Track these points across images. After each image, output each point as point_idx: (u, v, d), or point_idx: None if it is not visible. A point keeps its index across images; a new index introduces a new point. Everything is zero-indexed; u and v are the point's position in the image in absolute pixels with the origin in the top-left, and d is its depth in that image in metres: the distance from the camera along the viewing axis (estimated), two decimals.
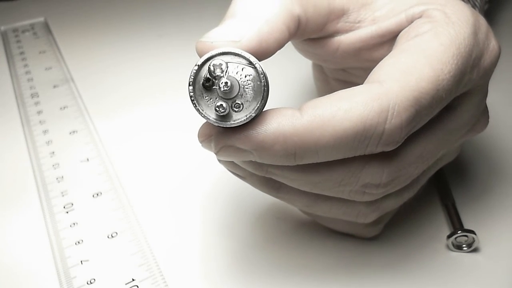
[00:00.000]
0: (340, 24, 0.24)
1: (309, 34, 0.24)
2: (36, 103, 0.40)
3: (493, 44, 0.23)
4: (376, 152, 0.20)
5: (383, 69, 0.21)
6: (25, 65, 0.45)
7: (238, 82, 0.19)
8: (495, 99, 0.35)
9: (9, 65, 0.45)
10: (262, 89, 0.19)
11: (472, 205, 0.29)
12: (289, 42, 0.26)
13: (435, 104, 0.20)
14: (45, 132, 0.37)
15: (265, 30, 0.20)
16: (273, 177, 0.22)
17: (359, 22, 0.24)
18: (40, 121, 0.38)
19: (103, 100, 0.41)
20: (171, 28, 0.51)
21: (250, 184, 0.24)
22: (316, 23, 0.23)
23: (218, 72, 0.18)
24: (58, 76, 0.43)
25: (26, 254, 0.28)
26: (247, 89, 0.19)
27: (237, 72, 0.19)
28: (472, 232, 0.26)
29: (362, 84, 0.26)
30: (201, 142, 0.21)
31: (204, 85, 0.19)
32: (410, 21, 0.23)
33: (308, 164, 0.21)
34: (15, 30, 0.51)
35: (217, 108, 0.18)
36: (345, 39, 0.24)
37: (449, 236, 0.26)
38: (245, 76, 0.19)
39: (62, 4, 0.57)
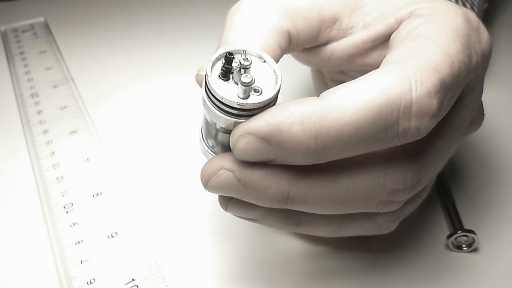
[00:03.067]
0: (334, 32, 0.24)
1: (303, 45, 0.24)
2: (36, 103, 0.40)
3: (486, 33, 0.23)
4: (412, 133, 0.18)
5: (391, 55, 0.20)
6: (25, 65, 0.45)
7: (252, 73, 0.19)
8: (495, 99, 0.35)
9: (9, 65, 0.45)
10: (277, 77, 0.19)
11: (472, 205, 0.29)
12: None
13: (456, 75, 0.19)
14: (45, 132, 0.37)
15: None
16: (295, 207, 0.20)
17: (351, 28, 0.24)
18: (40, 121, 0.38)
19: (103, 100, 0.41)
20: (171, 27, 0.51)
21: (266, 225, 0.22)
22: (308, 34, 0.23)
23: (240, 59, 0.19)
24: (58, 76, 0.43)
25: (26, 254, 0.28)
26: (261, 79, 0.19)
27: (251, 62, 0.19)
28: (472, 232, 0.26)
29: None
30: (207, 181, 0.20)
31: (222, 73, 0.19)
32: (399, 23, 0.23)
33: (330, 177, 0.20)
34: (15, 30, 0.51)
35: (243, 79, 0.18)
36: (338, 46, 0.24)
37: (449, 236, 0.26)
38: (260, 69, 0.20)
39: (62, 4, 0.56)
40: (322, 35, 0.24)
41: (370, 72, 0.19)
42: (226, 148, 0.21)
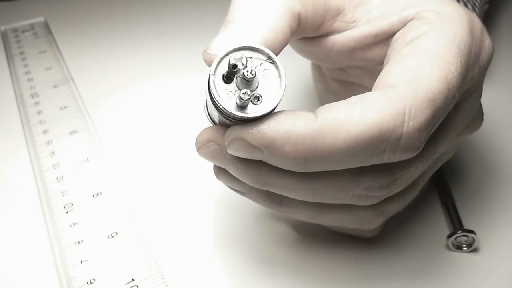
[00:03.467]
0: (336, 24, 0.24)
1: (307, 33, 0.24)
2: (36, 103, 0.40)
3: (488, 41, 0.23)
4: (394, 161, 0.20)
5: (392, 74, 0.20)
6: (25, 65, 0.45)
7: (258, 76, 0.19)
8: (495, 99, 0.35)
9: (9, 65, 0.45)
10: (281, 83, 0.19)
11: (472, 205, 0.29)
12: None
13: (449, 104, 0.20)
14: (45, 132, 0.37)
15: (270, 36, 0.20)
16: (272, 190, 0.21)
17: (354, 21, 0.24)
18: (40, 121, 0.38)
19: (103, 100, 0.41)
20: (171, 27, 0.51)
21: (251, 199, 0.23)
22: (314, 21, 0.23)
23: (239, 65, 0.18)
24: (58, 76, 0.43)
25: (26, 254, 0.28)
26: (266, 83, 0.19)
27: (256, 67, 0.19)
28: (472, 232, 0.26)
29: (359, 83, 0.26)
30: (198, 148, 0.21)
31: (226, 76, 0.19)
32: (403, 23, 0.23)
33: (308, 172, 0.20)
34: (15, 30, 0.51)
35: (242, 95, 0.18)
36: (339, 38, 0.24)
37: (449, 236, 0.26)
38: (264, 71, 0.19)
39: (62, 4, 0.56)
40: (325, 25, 0.24)
41: (368, 94, 0.19)
42: (223, 125, 0.21)
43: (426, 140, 0.20)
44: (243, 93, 0.18)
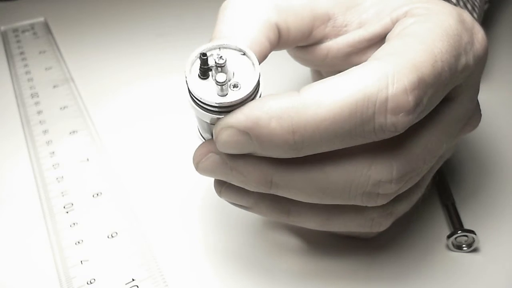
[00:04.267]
0: (328, 29, 0.24)
1: (297, 42, 0.24)
2: (36, 103, 0.40)
3: (481, 34, 0.23)
4: (388, 129, 0.19)
5: (376, 52, 0.20)
6: (25, 65, 0.45)
7: (232, 65, 0.20)
8: (495, 99, 0.35)
9: (9, 65, 0.45)
10: (255, 69, 0.20)
11: (472, 205, 0.29)
12: (285, 50, 0.27)
13: (438, 75, 0.20)
14: (45, 132, 0.37)
15: (246, 46, 0.21)
16: (280, 193, 0.21)
17: (346, 26, 0.24)
18: (40, 121, 0.38)
19: (103, 100, 0.41)
20: (171, 27, 0.51)
21: (258, 213, 0.23)
22: (300, 30, 0.23)
23: (215, 58, 0.19)
24: (58, 76, 0.43)
25: (26, 254, 0.28)
26: (241, 72, 0.20)
27: (230, 57, 0.20)
28: (472, 232, 0.26)
29: None
30: (197, 163, 0.21)
31: (201, 71, 0.20)
32: (395, 23, 0.23)
33: (313, 164, 0.20)
34: (15, 30, 0.51)
35: (218, 79, 0.19)
36: (334, 45, 0.24)
37: (449, 236, 0.26)
38: (237, 62, 0.20)
39: (62, 4, 0.56)
40: (316, 32, 0.24)
41: (351, 68, 0.19)
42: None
43: (418, 106, 0.19)
44: (219, 77, 0.19)
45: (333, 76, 0.19)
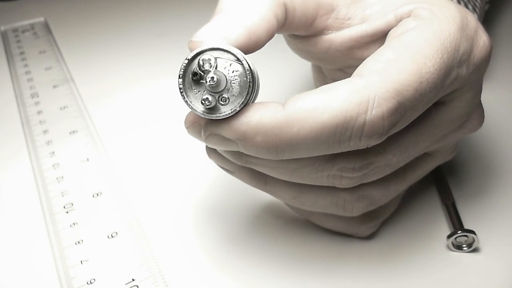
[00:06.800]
0: (330, 21, 0.24)
1: (300, 27, 0.24)
2: (36, 103, 0.40)
3: (483, 39, 0.23)
4: (361, 148, 0.20)
5: (366, 64, 0.21)
6: (25, 65, 0.45)
7: (226, 77, 0.20)
8: (495, 99, 0.35)
9: (9, 65, 0.45)
10: (248, 84, 0.19)
11: (472, 205, 0.29)
12: (286, 45, 0.27)
13: (419, 97, 0.20)
14: (45, 132, 0.37)
15: (253, 22, 0.20)
16: (253, 167, 0.23)
17: (349, 19, 0.24)
18: (40, 121, 0.38)
19: (103, 100, 0.41)
20: (171, 27, 0.51)
21: (239, 178, 0.25)
22: (304, 14, 0.23)
23: (206, 66, 0.19)
24: (58, 76, 0.43)
25: (26, 254, 0.28)
26: (233, 84, 0.20)
27: (225, 68, 0.20)
28: (472, 232, 0.26)
29: None
30: (186, 128, 0.22)
31: (193, 78, 0.20)
32: (399, 21, 0.23)
33: None
34: (15, 30, 0.51)
35: (203, 101, 0.19)
36: (336, 38, 0.24)
37: (449, 236, 0.26)
38: (233, 72, 0.20)
39: (62, 4, 0.57)
40: (319, 21, 0.24)
41: (336, 84, 0.20)
42: None
43: (393, 127, 0.20)
44: (204, 99, 0.19)
45: (318, 90, 0.20)
